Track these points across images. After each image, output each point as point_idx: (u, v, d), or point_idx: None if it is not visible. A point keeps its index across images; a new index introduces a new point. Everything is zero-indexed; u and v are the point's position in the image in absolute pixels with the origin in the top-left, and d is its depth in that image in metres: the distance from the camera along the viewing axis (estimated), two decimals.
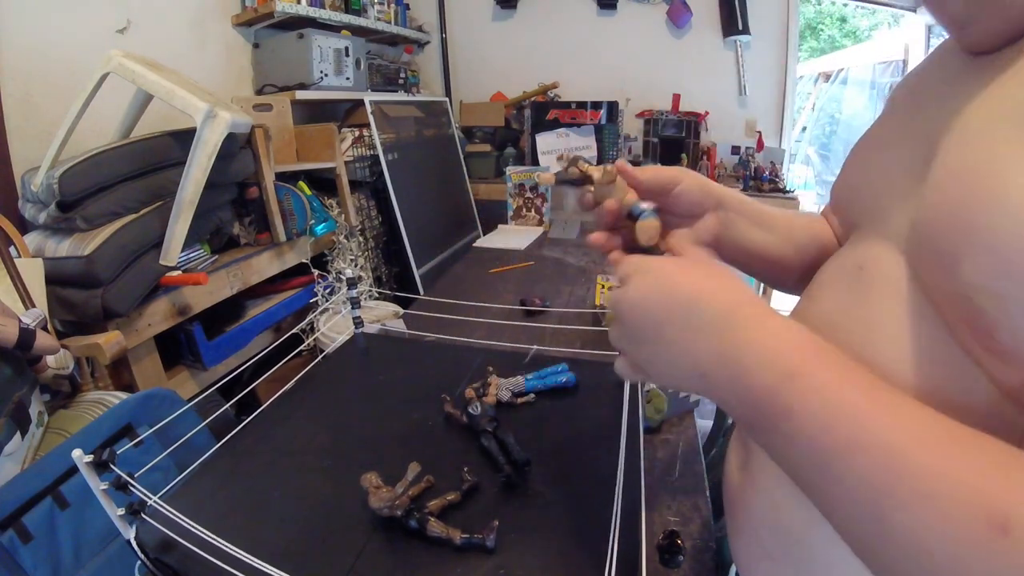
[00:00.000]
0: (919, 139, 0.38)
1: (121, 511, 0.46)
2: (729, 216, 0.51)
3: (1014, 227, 0.26)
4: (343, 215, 1.97)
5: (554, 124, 2.33)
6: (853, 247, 0.43)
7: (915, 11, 3.49)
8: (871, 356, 0.35)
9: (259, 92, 2.04)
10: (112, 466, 0.44)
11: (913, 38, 3.91)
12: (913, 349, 0.33)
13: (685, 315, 0.36)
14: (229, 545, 0.43)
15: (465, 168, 2.62)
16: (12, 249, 1.07)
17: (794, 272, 0.55)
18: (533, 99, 2.65)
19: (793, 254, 0.55)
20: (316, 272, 1.79)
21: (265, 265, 1.61)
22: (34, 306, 0.99)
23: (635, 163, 0.51)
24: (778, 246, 0.54)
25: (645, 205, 0.44)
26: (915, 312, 0.34)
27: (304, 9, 1.98)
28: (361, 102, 2.04)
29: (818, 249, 0.55)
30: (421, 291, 1.97)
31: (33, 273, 1.05)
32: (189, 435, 0.62)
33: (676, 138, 2.66)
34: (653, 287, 0.38)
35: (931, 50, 0.47)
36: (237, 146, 1.43)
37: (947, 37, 0.42)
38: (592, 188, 0.47)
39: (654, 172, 0.49)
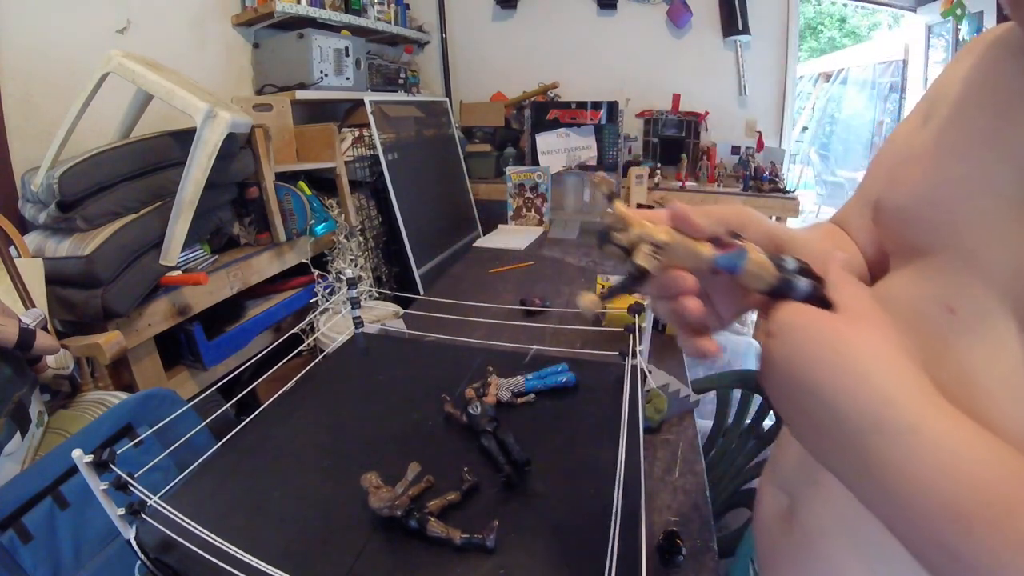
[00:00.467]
0: (1005, 161, 0.33)
1: (121, 511, 0.46)
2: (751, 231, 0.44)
3: None
4: (343, 215, 1.97)
5: (554, 124, 2.32)
6: (931, 281, 0.36)
7: (915, 11, 3.49)
8: (972, 413, 0.30)
9: (259, 92, 2.04)
10: (112, 466, 0.44)
11: (913, 38, 3.91)
12: None
13: (816, 406, 0.30)
14: (229, 545, 0.43)
15: (465, 168, 2.62)
16: (12, 249, 1.07)
17: None
18: (533, 99, 2.65)
19: None
20: (316, 272, 1.79)
21: (265, 265, 1.61)
22: (34, 306, 0.99)
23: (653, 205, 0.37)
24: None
25: (730, 251, 0.34)
26: None
27: (304, 9, 1.98)
28: (361, 102, 2.04)
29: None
30: (421, 291, 1.97)
31: (33, 273, 1.04)
32: (189, 435, 0.62)
33: (676, 138, 2.66)
34: (784, 355, 0.32)
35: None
36: (237, 146, 1.43)
37: (990, 28, 0.38)
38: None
39: (719, 215, 0.39)
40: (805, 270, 0.35)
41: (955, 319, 0.34)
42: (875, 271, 0.48)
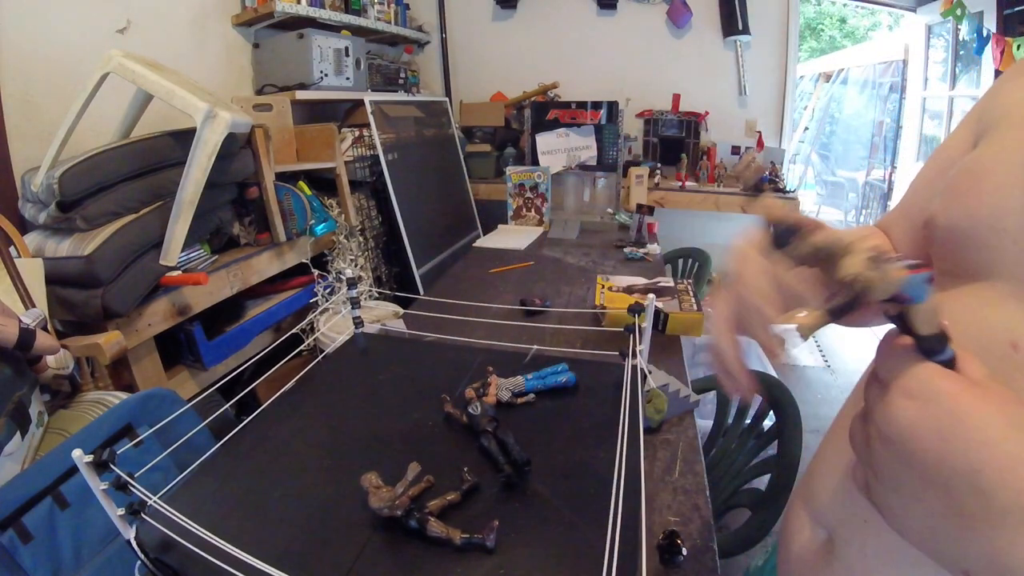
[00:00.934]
0: None
1: (121, 511, 0.46)
2: None
3: None
4: (343, 215, 1.97)
5: (554, 124, 2.32)
6: (991, 309, 0.34)
7: (915, 11, 3.49)
8: None
9: (259, 92, 2.04)
10: (112, 466, 0.44)
11: (913, 38, 3.91)
12: None
13: (964, 487, 0.26)
14: (229, 545, 0.43)
15: (465, 168, 2.62)
16: (12, 249, 1.07)
17: None
18: (533, 99, 2.65)
19: None
20: (316, 272, 1.79)
21: (265, 265, 1.61)
22: (34, 306, 0.99)
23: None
24: None
25: (919, 275, 0.28)
26: None
27: (304, 9, 1.98)
28: (361, 102, 2.04)
29: None
30: (421, 291, 1.97)
31: (33, 273, 1.04)
32: (189, 435, 0.62)
33: (676, 138, 2.67)
34: (933, 427, 0.27)
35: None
36: (237, 146, 1.43)
37: None
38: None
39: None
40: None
41: (1018, 356, 0.32)
42: None
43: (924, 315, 0.28)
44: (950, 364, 0.29)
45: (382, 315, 1.59)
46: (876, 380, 0.31)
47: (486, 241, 2.04)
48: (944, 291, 0.40)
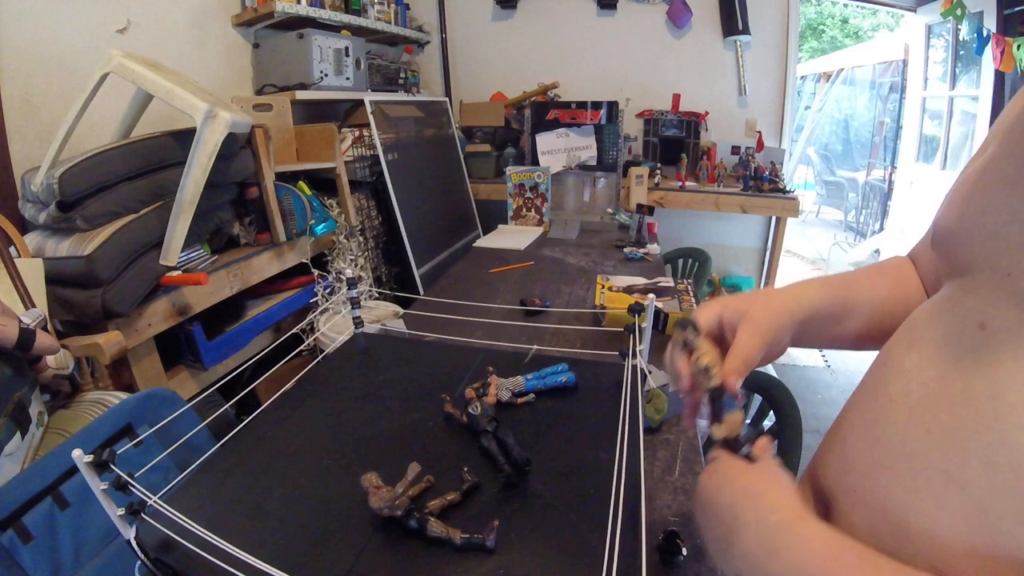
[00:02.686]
0: None
1: (121, 511, 0.46)
2: (807, 328, 0.51)
3: None
4: (343, 215, 1.97)
5: (554, 124, 2.32)
6: (968, 297, 0.39)
7: (915, 11, 3.49)
8: (999, 430, 0.32)
9: (259, 92, 2.04)
10: (112, 466, 0.44)
11: (913, 38, 3.91)
12: None
13: (728, 517, 0.41)
14: (229, 545, 0.43)
15: (465, 168, 2.62)
16: (12, 249, 1.07)
17: (883, 339, 0.51)
18: (533, 99, 2.65)
19: (879, 331, 0.53)
20: (316, 272, 1.79)
21: (265, 265, 1.61)
22: (34, 306, 0.99)
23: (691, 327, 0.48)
24: (864, 328, 0.54)
25: (736, 400, 0.46)
26: None
27: (304, 9, 1.98)
28: (361, 102, 2.04)
29: (907, 311, 0.51)
30: (421, 291, 1.97)
31: (33, 273, 1.04)
32: (189, 435, 0.62)
33: (676, 138, 2.67)
34: (715, 483, 0.45)
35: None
36: (237, 146, 1.43)
37: None
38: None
39: (717, 313, 0.50)
40: (754, 437, 0.45)
41: (985, 335, 0.36)
42: None
43: (725, 425, 0.46)
44: (750, 457, 0.44)
45: (382, 315, 1.59)
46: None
47: (486, 241, 2.04)
48: (941, 291, 0.44)
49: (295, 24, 2.01)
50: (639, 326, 0.71)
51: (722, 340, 0.50)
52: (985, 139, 0.48)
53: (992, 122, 0.48)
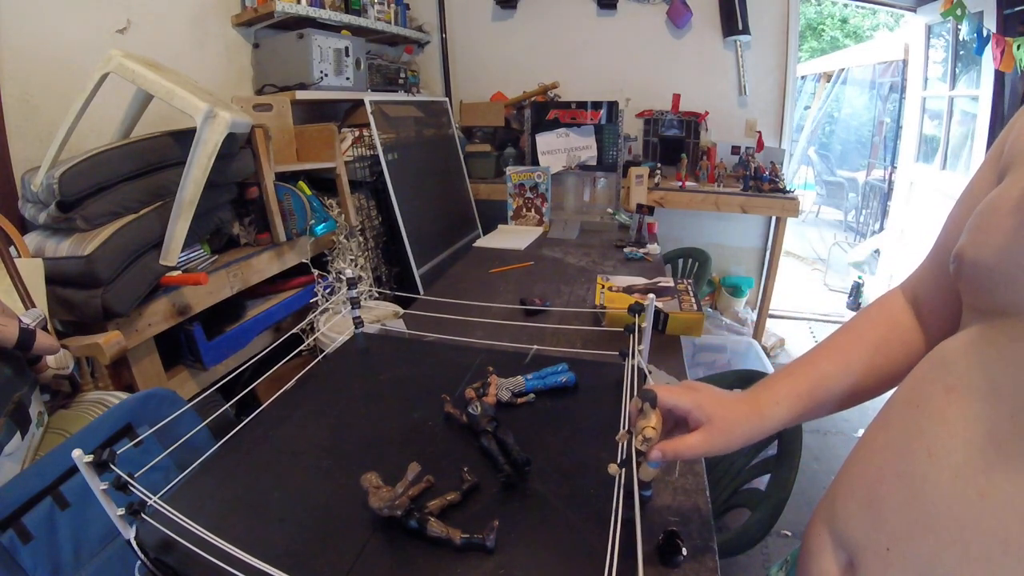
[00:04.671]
0: None
1: (121, 511, 0.46)
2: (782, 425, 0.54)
3: None
4: (343, 215, 1.97)
5: (554, 124, 2.32)
6: (1018, 343, 0.35)
7: (915, 11, 3.49)
8: None
9: (259, 92, 2.04)
10: (112, 466, 0.44)
11: (913, 38, 3.91)
12: None
13: None
14: (229, 545, 0.43)
15: (465, 168, 2.62)
16: (12, 249, 1.07)
17: (877, 391, 0.55)
18: (533, 99, 2.65)
19: (866, 393, 0.54)
20: (316, 272, 1.79)
21: (265, 265, 1.61)
22: (34, 306, 0.99)
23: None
24: (848, 400, 0.55)
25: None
26: None
27: (304, 9, 1.98)
28: (361, 102, 2.04)
29: (898, 364, 0.53)
30: (421, 291, 1.97)
31: (33, 273, 1.04)
32: (189, 435, 0.62)
33: (676, 138, 2.67)
34: None
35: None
36: (237, 146, 1.43)
37: None
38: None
39: (674, 403, 0.52)
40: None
41: None
42: (951, 325, 0.48)
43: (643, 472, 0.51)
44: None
45: (382, 315, 1.59)
46: None
47: (486, 241, 2.04)
48: (970, 326, 0.40)
49: (295, 24, 2.01)
50: (639, 326, 0.71)
51: (683, 420, 0.53)
52: (991, 155, 0.46)
53: (992, 124, 0.47)
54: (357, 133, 2.11)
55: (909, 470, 0.38)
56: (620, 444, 0.53)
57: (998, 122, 2.62)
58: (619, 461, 0.51)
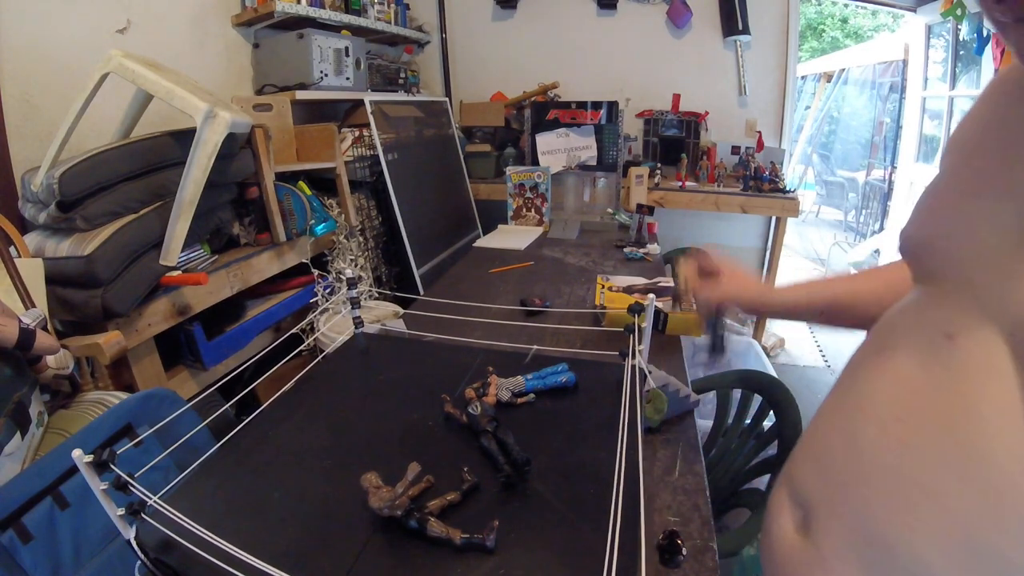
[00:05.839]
0: (1010, 198, 0.36)
1: (121, 511, 0.46)
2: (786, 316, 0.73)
3: None
4: (343, 215, 1.97)
5: (554, 124, 2.32)
6: (936, 307, 0.39)
7: (915, 11, 3.49)
8: (972, 443, 0.33)
9: (259, 92, 2.04)
10: (112, 466, 0.44)
11: (913, 38, 3.91)
12: None
13: None
14: (229, 545, 0.43)
15: (465, 168, 2.62)
16: (12, 249, 1.07)
17: None
18: (533, 99, 2.65)
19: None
20: (316, 272, 1.79)
21: (265, 265, 1.61)
22: (34, 306, 0.99)
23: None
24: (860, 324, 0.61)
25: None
26: None
27: (304, 9, 1.98)
28: (361, 102, 2.04)
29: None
30: (421, 291, 1.97)
31: (33, 273, 1.04)
32: (189, 435, 0.62)
33: (676, 138, 2.66)
34: None
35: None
36: (237, 146, 1.43)
37: (1010, 68, 0.40)
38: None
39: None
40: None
41: (955, 346, 0.36)
42: None
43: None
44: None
45: (382, 315, 1.60)
46: None
47: (486, 241, 2.04)
48: (909, 295, 0.45)
49: (295, 24, 2.01)
50: (639, 326, 0.71)
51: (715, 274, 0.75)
52: (943, 151, 0.50)
53: None
54: (357, 133, 2.11)
55: (847, 426, 0.42)
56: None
57: None
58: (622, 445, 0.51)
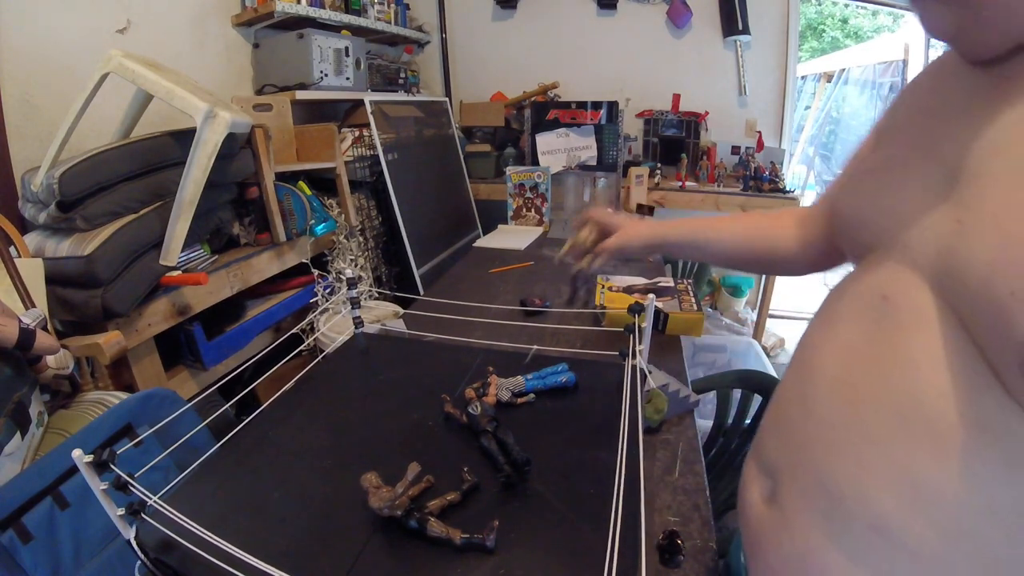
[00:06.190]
0: (935, 160, 0.38)
1: (121, 511, 0.46)
2: (670, 250, 0.85)
3: None
4: (343, 215, 1.97)
5: (554, 124, 2.32)
6: (872, 273, 0.42)
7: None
8: (906, 388, 0.36)
9: (259, 92, 2.04)
10: (112, 466, 0.44)
11: (913, 38, 3.91)
12: (953, 384, 0.33)
13: None
14: (229, 545, 0.43)
15: (465, 168, 2.62)
16: (12, 249, 1.07)
17: (744, 266, 0.79)
18: (533, 99, 2.65)
19: (738, 262, 0.77)
20: (316, 272, 1.79)
21: (265, 265, 1.61)
22: (34, 306, 0.99)
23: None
24: (723, 260, 0.78)
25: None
26: (951, 347, 0.34)
27: (304, 9, 1.98)
28: (361, 102, 2.04)
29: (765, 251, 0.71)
30: (421, 291, 1.97)
31: (33, 273, 1.04)
32: (189, 435, 0.62)
33: (676, 138, 2.66)
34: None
35: (928, 62, 0.48)
36: (237, 146, 1.43)
37: (945, 50, 0.43)
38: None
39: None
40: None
41: (888, 305, 0.39)
42: (824, 258, 0.65)
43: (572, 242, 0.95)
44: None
45: (382, 315, 1.60)
46: None
47: (486, 241, 2.04)
48: (851, 270, 0.48)
49: (295, 24, 2.01)
50: (639, 326, 0.71)
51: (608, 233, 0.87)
52: (873, 128, 0.56)
53: None
54: (357, 133, 2.11)
55: (802, 391, 0.45)
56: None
57: None
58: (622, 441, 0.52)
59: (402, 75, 2.51)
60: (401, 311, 1.52)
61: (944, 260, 0.35)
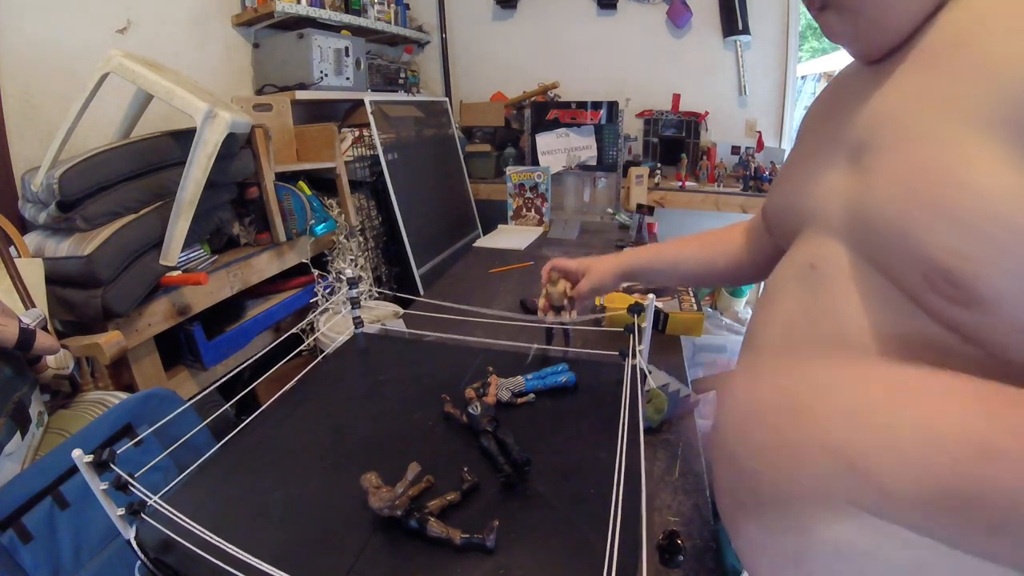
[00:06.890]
0: (839, 144, 0.46)
1: (121, 511, 0.46)
2: (635, 277, 0.86)
3: (975, 202, 0.32)
4: (343, 215, 1.97)
5: (554, 124, 2.33)
6: (799, 250, 0.48)
7: None
8: (840, 338, 0.40)
9: (259, 92, 2.04)
10: (112, 466, 0.44)
11: None
12: (875, 320, 0.39)
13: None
14: (229, 545, 0.43)
15: (465, 168, 2.62)
16: (12, 249, 1.07)
17: (708, 282, 0.84)
18: (533, 99, 2.65)
19: (701, 279, 0.85)
20: (316, 272, 1.79)
21: (265, 265, 1.61)
22: (34, 306, 0.99)
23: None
24: (686, 280, 0.90)
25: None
26: (870, 290, 0.39)
27: (304, 9, 1.98)
28: (361, 102, 2.04)
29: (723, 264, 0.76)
30: (421, 291, 1.97)
31: (33, 273, 1.04)
32: (189, 435, 0.62)
33: (676, 138, 2.66)
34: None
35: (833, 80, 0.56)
36: (237, 146, 1.43)
37: (843, 68, 0.53)
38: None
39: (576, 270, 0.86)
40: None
41: (815, 271, 0.44)
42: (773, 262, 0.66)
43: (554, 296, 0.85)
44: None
45: (382, 315, 1.59)
46: None
47: (486, 241, 2.04)
48: (784, 258, 0.53)
49: (295, 24, 2.01)
50: (639, 326, 0.71)
51: (576, 279, 0.85)
52: (794, 140, 0.63)
53: None
54: (357, 133, 2.11)
55: (749, 364, 0.51)
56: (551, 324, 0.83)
57: None
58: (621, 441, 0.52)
59: (402, 75, 2.51)
60: (401, 311, 1.52)
61: (853, 215, 0.41)
